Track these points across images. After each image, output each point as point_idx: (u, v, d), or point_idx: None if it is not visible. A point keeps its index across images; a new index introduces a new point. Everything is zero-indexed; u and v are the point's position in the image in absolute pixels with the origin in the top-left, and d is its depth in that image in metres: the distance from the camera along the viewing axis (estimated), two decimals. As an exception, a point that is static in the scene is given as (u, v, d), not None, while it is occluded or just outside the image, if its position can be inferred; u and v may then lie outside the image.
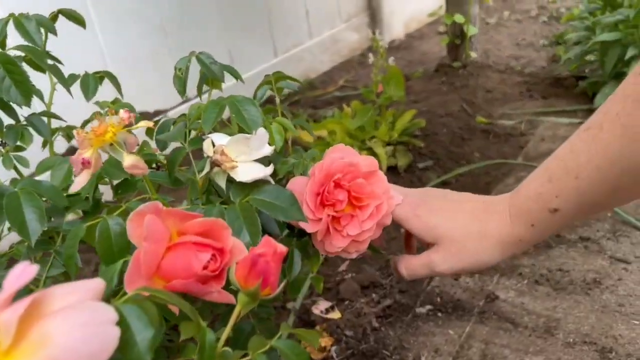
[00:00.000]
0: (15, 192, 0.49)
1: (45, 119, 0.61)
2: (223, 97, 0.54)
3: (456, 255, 0.56)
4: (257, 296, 0.37)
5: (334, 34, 2.23)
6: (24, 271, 0.31)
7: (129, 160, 0.43)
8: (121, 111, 0.43)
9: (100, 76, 0.65)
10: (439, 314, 0.88)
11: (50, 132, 0.63)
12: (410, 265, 0.59)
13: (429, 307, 0.89)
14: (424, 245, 0.59)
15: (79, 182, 0.44)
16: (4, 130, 0.60)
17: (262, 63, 1.88)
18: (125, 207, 0.47)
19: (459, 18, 1.76)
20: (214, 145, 0.49)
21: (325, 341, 0.88)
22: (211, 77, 0.58)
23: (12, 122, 0.58)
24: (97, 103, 0.66)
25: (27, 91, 0.52)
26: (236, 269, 0.37)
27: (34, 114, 0.62)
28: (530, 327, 0.82)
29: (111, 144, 0.43)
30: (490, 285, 0.92)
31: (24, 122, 0.61)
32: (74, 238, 0.44)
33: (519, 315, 0.85)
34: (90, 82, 0.64)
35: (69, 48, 0.80)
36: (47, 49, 0.58)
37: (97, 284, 0.31)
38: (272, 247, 0.38)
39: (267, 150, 0.52)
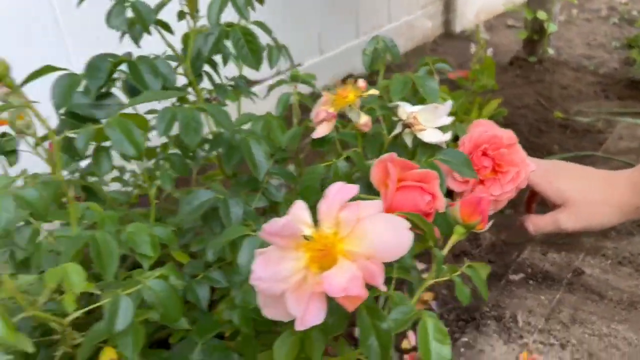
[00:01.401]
0: (245, 137, 0.62)
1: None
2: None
3: (580, 216, 0.70)
4: (472, 228, 0.49)
5: (411, 19, 2.31)
6: (341, 188, 0.43)
7: (363, 119, 0.55)
8: (360, 80, 0.55)
9: (279, 47, 0.77)
10: (530, 282, 0.99)
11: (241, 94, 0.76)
12: (537, 222, 0.72)
13: (521, 275, 1.01)
14: (550, 207, 0.72)
15: (321, 131, 0.57)
16: (216, 88, 0.72)
17: (346, 42, 1.99)
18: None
19: (541, 15, 1.83)
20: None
21: (426, 295, 1.00)
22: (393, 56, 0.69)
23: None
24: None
25: (259, 58, 0.64)
26: (460, 207, 0.49)
27: (237, 76, 0.75)
28: (615, 300, 0.93)
29: (349, 105, 0.55)
30: (577, 261, 1.02)
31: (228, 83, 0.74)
32: (312, 173, 0.56)
33: (604, 289, 0.95)
34: (274, 53, 0.76)
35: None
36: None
37: (379, 204, 0.43)
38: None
39: (447, 119, 0.63)
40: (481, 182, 0.68)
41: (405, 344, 0.93)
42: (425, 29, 2.43)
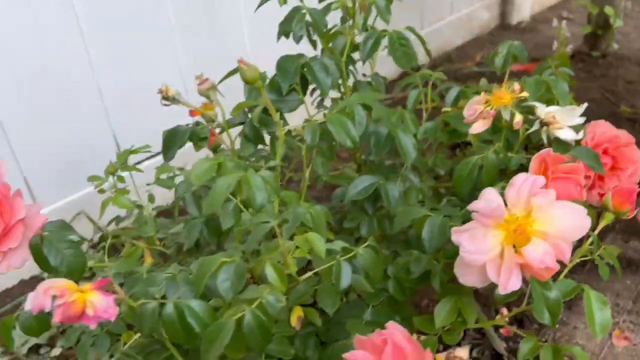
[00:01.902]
0: (394, 127, 0.70)
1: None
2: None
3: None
4: (623, 215, 0.57)
5: (471, 11, 2.36)
6: (527, 178, 0.51)
7: (517, 118, 0.63)
8: (516, 83, 0.63)
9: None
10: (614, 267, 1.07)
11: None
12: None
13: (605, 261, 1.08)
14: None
15: (478, 127, 0.65)
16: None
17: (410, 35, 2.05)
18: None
19: (608, 10, 1.87)
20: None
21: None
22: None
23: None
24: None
25: (410, 59, 0.72)
26: (613, 196, 0.57)
27: (373, 73, 0.83)
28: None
29: (505, 105, 0.63)
30: (657, 250, 1.09)
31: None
32: (466, 163, 0.65)
33: (686, 276, 1.03)
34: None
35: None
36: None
37: (553, 192, 0.51)
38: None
39: (580, 120, 0.71)
40: (600, 178, 0.75)
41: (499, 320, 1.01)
42: (483, 21, 2.47)
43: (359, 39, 0.83)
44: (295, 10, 0.69)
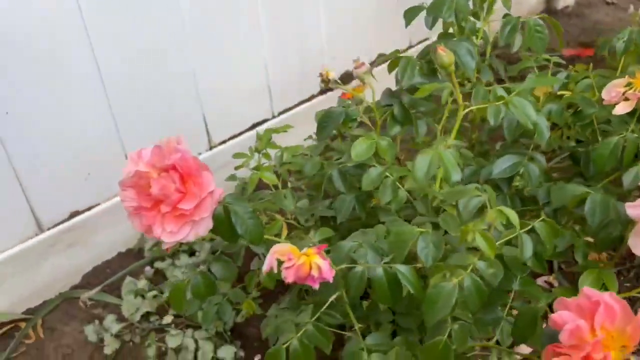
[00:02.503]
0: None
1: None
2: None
3: None
4: None
5: (520, -4, 2.37)
6: None
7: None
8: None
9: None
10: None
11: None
12: None
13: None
14: None
15: (621, 109, 0.69)
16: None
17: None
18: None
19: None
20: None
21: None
22: None
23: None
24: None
25: (544, 44, 0.75)
26: None
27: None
28: None
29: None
30: None
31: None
32: (607, 143, 0.69)
33: None
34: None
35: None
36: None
37: None
38: None
39: None
40: None
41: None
42: (531, 6, 2.49)
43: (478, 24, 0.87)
44: (445, -3, 0.72)
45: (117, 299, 1.16)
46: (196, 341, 0.97)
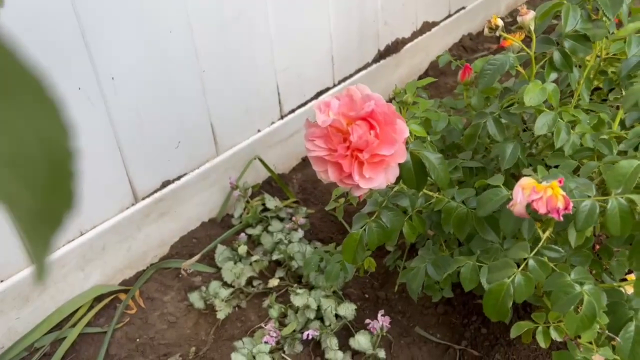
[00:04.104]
0: None
1: None
2: None
3: None
4: None
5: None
6: None
7: None
8: None
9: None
10: None
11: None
12: None
13: None
14: None
15: None
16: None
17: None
18: None
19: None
20: None
21: None
22: None
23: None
24: None
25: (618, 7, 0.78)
26: None
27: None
28: None
29: None
30: None
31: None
32: None
33: None
34: None
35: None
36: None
37: None
38: None
39: None
40: None
41: None
42: None
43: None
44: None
45: (210, 268, 1.16)
46: (317, 299, 0.99)
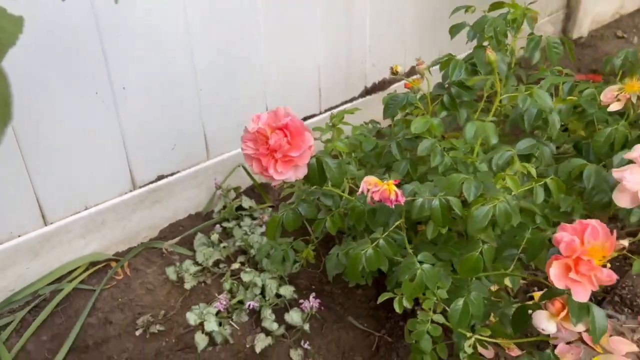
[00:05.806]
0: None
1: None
2: None
3: None
4: None
5: (539, 25, 2.62)
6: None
7: (646, 103, 0.90)
8: (646, 79, 0.91)
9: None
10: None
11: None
12: None
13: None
14: None
15: (614, 107, 0.92)
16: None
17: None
18: None
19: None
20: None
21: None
22: None
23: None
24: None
25: (559, 58, 0.99)
26: None
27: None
28: None
29: (634, 92, 0.91)
30: None
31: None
32: (603, 133, 0.92)
33: None
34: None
35: None
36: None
37: None
38: None
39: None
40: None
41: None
42: (546, 33, 2.74)
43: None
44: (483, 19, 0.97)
45: (189, 251, 1.39)
46: (263, 280, 1.21)
